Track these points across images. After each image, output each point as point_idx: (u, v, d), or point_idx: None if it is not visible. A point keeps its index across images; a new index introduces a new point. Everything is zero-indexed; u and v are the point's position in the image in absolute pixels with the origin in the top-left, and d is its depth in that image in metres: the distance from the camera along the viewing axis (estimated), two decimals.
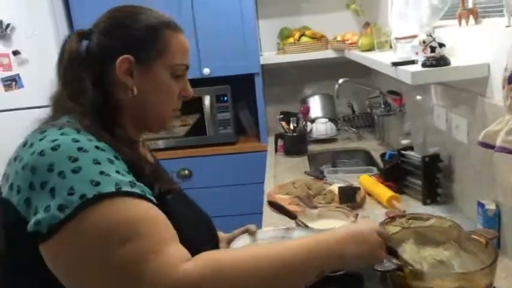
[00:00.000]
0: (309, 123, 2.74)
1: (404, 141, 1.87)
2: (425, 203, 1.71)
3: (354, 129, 2.86)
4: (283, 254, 0.76)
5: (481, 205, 1.36)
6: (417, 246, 1.13)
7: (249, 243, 1.12)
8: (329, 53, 2.86)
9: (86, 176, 0.70)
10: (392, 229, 1.36)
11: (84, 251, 0.68)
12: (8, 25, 2.54)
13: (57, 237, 0.68)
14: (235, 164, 2.85)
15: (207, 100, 2.84)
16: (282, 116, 2.64)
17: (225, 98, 2.84)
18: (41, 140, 0.76)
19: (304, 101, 2.96)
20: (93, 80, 0.87)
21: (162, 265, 0.67)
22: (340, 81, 2.38)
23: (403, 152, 1.81)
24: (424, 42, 1.38)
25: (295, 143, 2.60)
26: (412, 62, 1.47)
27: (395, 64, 1.50)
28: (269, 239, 1.16)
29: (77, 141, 0.74)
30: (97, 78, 0.87)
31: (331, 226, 1.30)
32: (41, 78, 2.65)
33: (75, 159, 0.71)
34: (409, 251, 1.12)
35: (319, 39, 2.89)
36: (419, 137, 1.95)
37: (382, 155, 2.09)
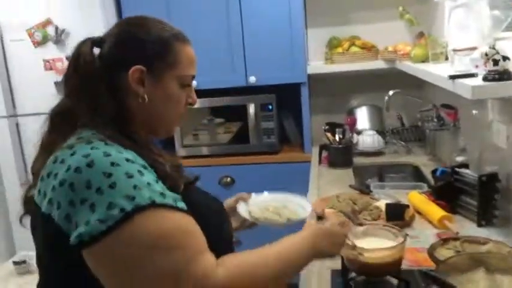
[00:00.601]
0: (355, 135, 2.66)
1: (459, 158, 1.77)
2: (480, 225, 1.60)
3: (402, 143, 2.76)
4: (288, 253, 0.95)
5: None
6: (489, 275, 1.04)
7: (245, 208, 1.27)
8: (379, 64, 2.77)
9: (121, 191, 0.76)
10: (445, 253, 1.28)
11: (123, 260, 0.75)
12: (63, 30, 2.63)
13: (100, 245, 0.74)
14: (277, 174, 2.80)
15: (251, 108, 2.82)
16: (327, 126, 2.58)
17: (270, 107, 2.81)
18: (72, 155, 0.81)
19: (351, 112, 2.89)
20: (109, 91, 0.91)
21: (200, 273, 0.76)
22: (391, 92, 2.30)
23: (458, 169, 1.71)
24: (486, 54, 1.30)
25: (340, 155, 2.53)
26: (472, 75, 1.38)
27: (453, 77, 1.42)
28: (261, 203, 1.30)
29: (109, 155, 0.79)
30: (112, 88, 0.92)
31: (377, 245, 1.24)
32: None
33: (110, 175, 0.77)
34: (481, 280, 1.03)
35: (369, 49, 2.82)
36: (475, 154, 1.84)
37: (433, 172, 1.99)
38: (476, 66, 1.42)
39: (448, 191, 1.73)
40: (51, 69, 2.67)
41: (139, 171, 0.80)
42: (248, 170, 2.83)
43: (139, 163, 0.83)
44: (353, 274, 1.30)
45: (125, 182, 0.76)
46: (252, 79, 2.75)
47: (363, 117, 2.82)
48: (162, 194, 0.79)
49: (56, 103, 0.98)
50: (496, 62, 1.28)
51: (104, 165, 0.77)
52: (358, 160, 2.61)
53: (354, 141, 2.64)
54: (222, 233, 1.04)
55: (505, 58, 1.29)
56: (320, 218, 1.15)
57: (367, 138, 2.70)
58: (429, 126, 2.29)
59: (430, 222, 1.68)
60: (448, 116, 2.21)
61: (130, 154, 0.83)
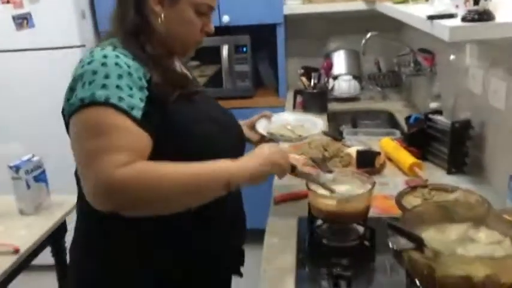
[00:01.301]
0: (331, 80, 2.59)
1: (433, 105, 1.72)
2: (450, 172, 1.59)
3: (379, 88, 2.70)
4: (200, 169, 0.96)
5: None
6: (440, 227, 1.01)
7: (264, 125, 1.39)
8: (359, 5, 2.65)
9: (94, 88, 0.93)
10: (412, 200, 1.26)
11: (73, 136, 0.96)
12: None
13: (70, 121, 0.96)
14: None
15: (225, 50, 2.70)
16: (303, 70, 2.49)
17: (245, 49, 2.70)
18: (90, 53, 1.00)
19: (327, 56, 2.79)
20: (136, 6, 1.05)
21: (105, 164, 0.88)
22: (368, 35, 2.21)
23: (431, 116, 1.67)
24: None
25: (315, 100, 2.47)
26: (451, 16, 1.30)
27: (431, 18, 1.33)
28: (281, 122, 1.46)
29: (105, 56, 0.97)
30: (139, 4, 1.06)
31: (346, 192, 1.21)
32: (53, 18, 2.59)
33: (95, 72, 0.95)
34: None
35: None
36: (450, 101, 1.80)
37: (407, 118, 1.96)
38: (457, 6, 1.33)
39: (420, 138, 1.69)
40: (8, 2, 2.47)
41: (119, 75, 0.95)
42: None
43: (126, 70, 0.96)
44: (319, 221, 1.27)
45: (99, 80, 0.93)
46: (226, 18, 2.61)
47: (339, 61, 2.73)
48: (121, 98, 0.92)
49: None
50: (476, 1, 1.19)
51: (96, 65, 0.95)
52: (333, 106, 2.55)
53: (330, 86, 2.57)
54: (216, 151, 1.05)
55: None
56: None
57: (343, 83, 2.63)
58: (406, 71, 2.23)
59: (401, 169, 1.66)
60: (425, 61, 2.14)
61: (128, 60, 0.98)
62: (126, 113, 0.93)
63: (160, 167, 0.93)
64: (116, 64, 0.96)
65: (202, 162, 0.97)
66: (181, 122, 1.04)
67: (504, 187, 1.38)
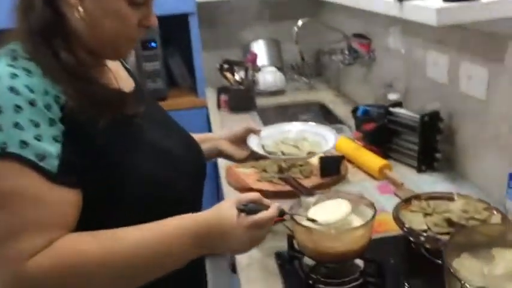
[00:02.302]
0: (255, 74, 2.33)
1: (392, 96, 1.55)
2: (420, 171, 1.43)
3: (304, 79, 2.51)
4: (139, 249, 0.72)
5: None
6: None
7: (257, 142, 1.14)
8: None
9: None
10: (411, 217, 1.05)
11: None
12: None
13: None
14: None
15: None
16: (225, 65, 2.20)
17: (154, 44, 2.32)
18: None
19: (247, 47, 2.53)
20: None
21: (11, 254, 0.67)
22: (300, 22, 1.98)
23: (392, 109, 1.49)
24: None
25: (242, 97, 2.20)
26: None
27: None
28: (277, 135, 1.20)
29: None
30: None
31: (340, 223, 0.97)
32: None
33: None
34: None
35: None
36: (408, 91, 1.64)
37: (354, 111, 1.77)
38: None
39: (382, 135, 1.51)
40: None
41: (16, 107, 0.68)
42: None
43: (27, 97, 0.70)
44: (305, 258, 1.01)
45: None
46: None
47: (260, 52, 2.48)
48: (23, 144, 0.68)
49: None
50: None
51: None
52: (260, 101, 2.30)
53: (255, 80, 2.32)
54: (168, 190, 0.84)
55: None
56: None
57: (268, 76, 2.39)
58: (340, 59, 2.05)
59: (365, 171, 1.47)
60: (361, 47, 1.98)
61: (30, 80, 0.71)
62: (35, 166, 0.68)
63: (86, 246, 0.70)
64: (11, 89, 0.69)
65: (155, 229, 0.74)
66: (119, 161, 0.78)
67: (487, 182, 1.25)
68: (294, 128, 1.23)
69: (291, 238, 1.04)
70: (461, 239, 0.81)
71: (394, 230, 1.07)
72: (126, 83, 0.95)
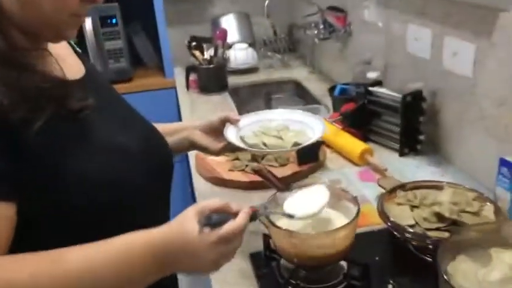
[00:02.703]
0: (226, 51, 2.19)
1: (371, 74, 1.44)
2: (402, 154, 1.34)
3: (278, 55, 2.39)
4: (81, 275, 0.61)
5: (507, 164, 1.00)
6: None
7: (235, 133, 1.03)
8: None
9: None
10: (397, 211, 0.96)
11: None
12: None
13: None
14: (134, 106, 2.23)
15: (88, 24, 2.13)
16: (193, 42, 2.05)
17: (114, 21, 2.15)
18: None
19: (216, 23, 2.38)
20: None
21: None
22: None
23: (371, 88, 1.40)
24: None
25: (213, 77, 2.07)
26: None
27: None
28: (251, 124, 1.07)
29: None
30: None
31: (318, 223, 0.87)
32: None
33: None
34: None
35: None
36: (380, 67, 1.55)
37: (331, 90, 1.68)
38: None
39: (361, 116, 1.42)
40: None
41: None
42: None
43: None
44: (284, 260, 0.92)
45: None
46: None
47: (231, 27, 2.33)
48: None
49: None
50: None
51: None
52: (232, 80, 2.18)
53: (226, 57, 2.18)
54: (124, 193, 0.73)
55: None
56: None
57: (239, 53, 2.26)
58: (315, 34, 1.93)
59: (345, 156, 1.37)
60: (337, 20, 1.86)
61: None
62: None
63: (17, 274, 0.58)
64: None
65: (101, 251, 0.63)
66: (60, 164, 0.66)
67: (473, 165, 1.18)
68: (276, 117, 1.10)
69: (267, 238, 0.95)
70: (456, 241, 0.72)
71: (378, 223, 0.99)
72: (73, 70, 0.82)
